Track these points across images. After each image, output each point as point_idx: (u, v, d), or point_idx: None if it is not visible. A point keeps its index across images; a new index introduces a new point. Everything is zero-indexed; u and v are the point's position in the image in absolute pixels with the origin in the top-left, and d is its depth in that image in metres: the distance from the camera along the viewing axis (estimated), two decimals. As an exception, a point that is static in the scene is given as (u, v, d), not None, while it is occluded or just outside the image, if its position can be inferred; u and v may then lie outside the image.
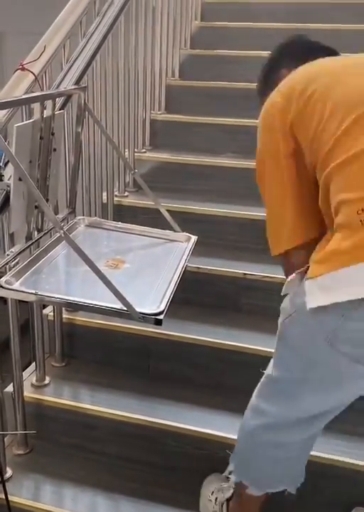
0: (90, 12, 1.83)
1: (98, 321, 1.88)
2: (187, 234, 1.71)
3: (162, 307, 1.21)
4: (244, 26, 3.01)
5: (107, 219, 2.19)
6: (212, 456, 1.57)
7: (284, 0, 3.11)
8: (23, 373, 1.68)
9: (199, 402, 1.70)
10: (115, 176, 2.24)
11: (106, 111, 2.08)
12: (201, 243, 2.14)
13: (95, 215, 2.07)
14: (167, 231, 1.72)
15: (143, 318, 1.16)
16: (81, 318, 1.90)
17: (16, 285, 1.24)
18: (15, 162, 1.06)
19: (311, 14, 2.94)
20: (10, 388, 1.68)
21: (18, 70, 1.47)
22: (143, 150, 2.49)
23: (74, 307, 1.43)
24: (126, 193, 2.31)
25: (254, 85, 2.59)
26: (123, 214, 2.24)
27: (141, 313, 1.15)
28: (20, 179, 1.17)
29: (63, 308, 1.89)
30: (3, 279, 1.22)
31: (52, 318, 1.85)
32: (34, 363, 1.79)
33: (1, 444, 1.55)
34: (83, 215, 1.96)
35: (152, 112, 2.61)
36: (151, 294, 1.31)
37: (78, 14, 1.72)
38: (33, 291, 1.20)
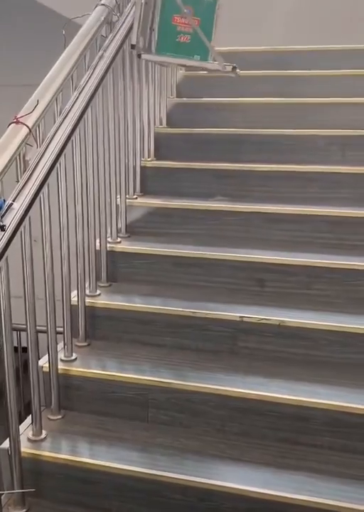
0: (81, 66, 1.86)
1: (94, 370, 1.86)
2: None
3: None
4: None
5: (100, 266, 2.19)
6: (219, 508, 1.53)
7: (264, 49, 3.23)
8: (19, 427, 1.64)
9: (201, 451, 1.67)
10: (108, 222, 2.25)
11: (99, 159, 2.10)
12: (195, 286, 2.16)
13: (89, 263, 2.07)
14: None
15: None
16: (77, 368, 1.87)
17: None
18: None
19: (292, 63, 3.05)
20: (5, 444, 1.64)
21: (12, 123, 1.49)
22: (135, 196, 2.51)
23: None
24: (119, 239, 2.31)
25: (239, 130, 2.69)
26: (115, 260, 2.24)
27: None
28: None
29: (59, 359, 1.86)
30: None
31: (48, 370, 1.82)
32: (30, 416, 1.75)
33: (-2, 504, 1.50)
34: (76, 265, 1.96)
35: (142, 159, 2.64)
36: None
37: (69, 68, 1.76)
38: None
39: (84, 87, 1.81)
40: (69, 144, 1.74)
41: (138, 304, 2.05)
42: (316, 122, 2.67)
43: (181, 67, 2.77)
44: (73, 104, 1.73)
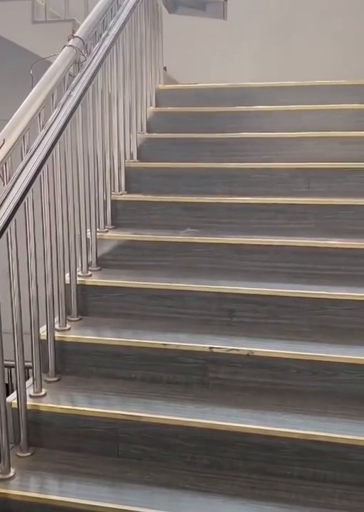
0: (48, 105, 1.90)
1: (64, 406, 1.85)
2: None
3: None
4: (195, 111, 3.18)
5: (70, 300, 2.19)
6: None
7: (229, 85, 3.32)
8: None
9: (172, 484, 1.66)
10: (78, 255, 2.27)
11: (67, 194, 2.12)
12: (166, 318, 2.17)
13: (58, 297, 2.08)
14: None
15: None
16: (46, 404, 1.85)
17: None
18: None
19: (254, 97, 3.14)
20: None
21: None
22: (105, 229, 2.53)
23: None
24: (90, 272, 2.33)
25: (207, 165, 2.75)
26: (86, 294, 2.25)
27: None
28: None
29: (28, 395, 1.85)
30: None
31: (16, 406, 1.80)
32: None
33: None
34: (45, 299, 1.96)
35: (113, 192, 2.68)
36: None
37: (36, 108, 1.79)
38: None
39: (51, 125, 1.84)
40: (36, 180, 1.76)
41: (108, 337, 2.06)
42: (282, 156, 2.75)
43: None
44: (40, 142, 1.75)
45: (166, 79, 3.78)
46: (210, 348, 1.93)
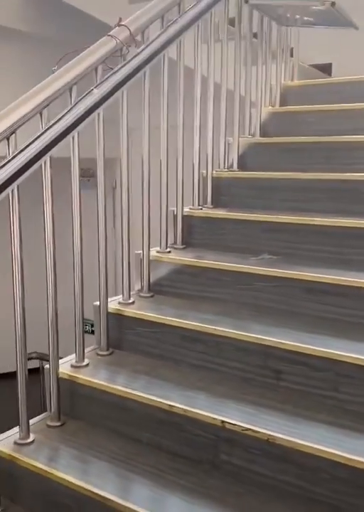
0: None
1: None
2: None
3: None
4: (318, 109, 2.64)
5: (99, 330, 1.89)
6: None
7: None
8: None
9: None
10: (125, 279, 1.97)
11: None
12: (198, 368, 1.74)
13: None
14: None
15: None
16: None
17: None
18: None
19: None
20: None
21: None
22: (168, 250, 2.14)
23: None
24: (132, 300, 1.99)
25: (311, 176, 2.20)
26: (121, 324, 1.92)
27: None
28: None
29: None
30: None
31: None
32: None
33: None
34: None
35: (190, 207, 2.30)
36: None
37: (35, 104, 1.54)
38: None
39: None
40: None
41: (117, 385, 1.67)
42: None
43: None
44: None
45: (309, 74, 3.25)
46: (223, 422, 1.44)
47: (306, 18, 2.42)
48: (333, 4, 2.01)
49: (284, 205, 2.21)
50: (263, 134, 2.71)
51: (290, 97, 2.97)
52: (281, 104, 2.93)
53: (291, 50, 3.04)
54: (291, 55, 3.05)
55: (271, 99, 2.88)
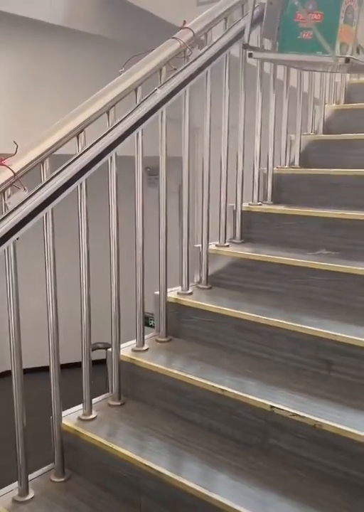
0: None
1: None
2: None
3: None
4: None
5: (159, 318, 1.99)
6: None
7: None
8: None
9: None
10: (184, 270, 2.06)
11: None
12: (252, 356, 1.80)
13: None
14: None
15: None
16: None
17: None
18: None
19: None
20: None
21: None
22: (226, 244, 2.23)
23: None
24: (190, 290, 2.08)
25: None
26: (180, 313, 2.01)
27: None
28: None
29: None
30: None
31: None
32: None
33: None
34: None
35: (250, 203, 2.36)
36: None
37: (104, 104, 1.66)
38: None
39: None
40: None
41: (174, 369, 1.77)
42: None
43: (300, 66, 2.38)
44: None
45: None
46: (272, 407, 1.51)
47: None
48: (347, 61, 1.92)
49: (343, 202, 2.22)
50: (326, 131, 2.72)
51: (355, 95, 2.95)
52: (346, 102, 2.92)
53: (358, 47, 3.02)
54: (358, 52, 3.02)
55: (336, 96, 2.88)
